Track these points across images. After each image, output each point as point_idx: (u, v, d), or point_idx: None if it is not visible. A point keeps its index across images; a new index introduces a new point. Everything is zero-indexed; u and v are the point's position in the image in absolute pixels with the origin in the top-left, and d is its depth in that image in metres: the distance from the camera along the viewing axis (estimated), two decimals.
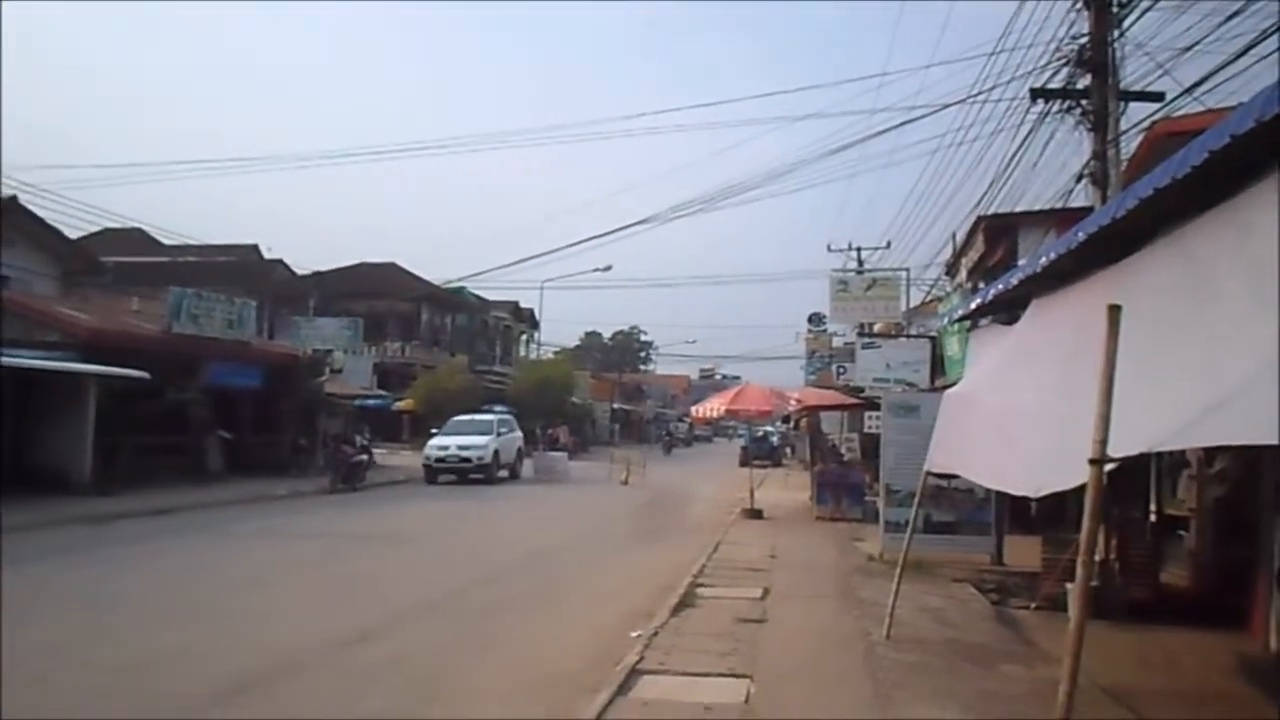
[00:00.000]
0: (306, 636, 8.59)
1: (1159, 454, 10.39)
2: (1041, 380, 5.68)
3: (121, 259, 32.81)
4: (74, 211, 56.93)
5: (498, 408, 38.57)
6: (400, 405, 43.50)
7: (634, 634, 8.64)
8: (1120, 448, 3.39)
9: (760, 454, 41.22)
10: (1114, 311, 3.44)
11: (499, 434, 30.50)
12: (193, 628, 8.99)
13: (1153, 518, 11.51)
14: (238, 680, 7.05)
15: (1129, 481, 10.80)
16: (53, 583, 11.15)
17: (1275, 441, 2.80)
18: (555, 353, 66.56)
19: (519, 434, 33.62)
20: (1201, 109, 10.77)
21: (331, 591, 11.26)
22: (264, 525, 17.31)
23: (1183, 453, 10.42)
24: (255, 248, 43.64)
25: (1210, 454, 10.02)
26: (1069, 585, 9.18)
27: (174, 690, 6.81)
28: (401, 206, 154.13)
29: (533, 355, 64.88)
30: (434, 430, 31.91)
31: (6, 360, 17.88)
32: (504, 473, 30.30)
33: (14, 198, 23.98)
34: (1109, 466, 3.45)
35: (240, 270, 38.73)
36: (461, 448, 28.86)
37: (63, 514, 16.28)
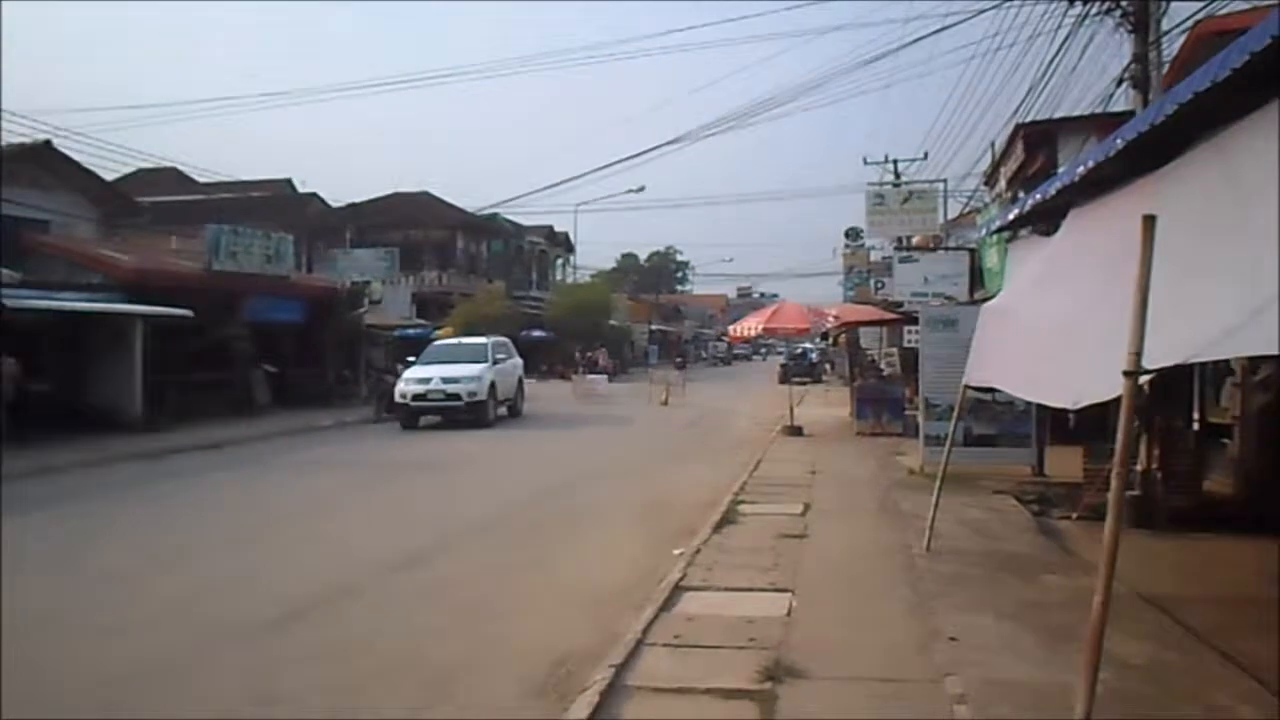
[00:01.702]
0: (358, 562, 8.84)
1: (1203, 362, 10.33)
2: (1079, 291, 5.62)
3: (158, 199, 33.04)
4: (108, 154, 57.30)
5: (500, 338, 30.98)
6: (440, 334, 43.80)
7: (676, 551, 8.80)
8: (1155, 359, 3.38)
9: (799, 371, 41.23)
10: (1148, 222, 3.40)
11: (495, 361, 24.58)
12: (248, 556, 9.28)
13: (1196, 426, 11.44)
14: (292, 606, 7.28)
15: (1172, 390, 10.71)
16: (110, 517, 11.50)
17: None
18: (592, 276, 66.53)
19: (518, 361, 27.35)
20: (1246, 6, 10.44)
21: (380, 518, 11.53)
22: (311, 456, 17.67)
23: (1227, 361, 10.32)
24: (289, 182, 43.73)
25: (1255, 361, 9.91)
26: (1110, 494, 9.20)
27: (230, 617, 7.05)
28: (433, 136, 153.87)
29: (569, 279, 64.86)
30: (411, 359, 25.76)
31: (54, 303, 18.24)
32: (502, 410, 24.88)
33: (48, 142, 24.17)
34: (1143, 378, 3.44)
35: (276, 205, 38.88)
36: (447, 380, 22.87)
37: (116, 451, 16.71)
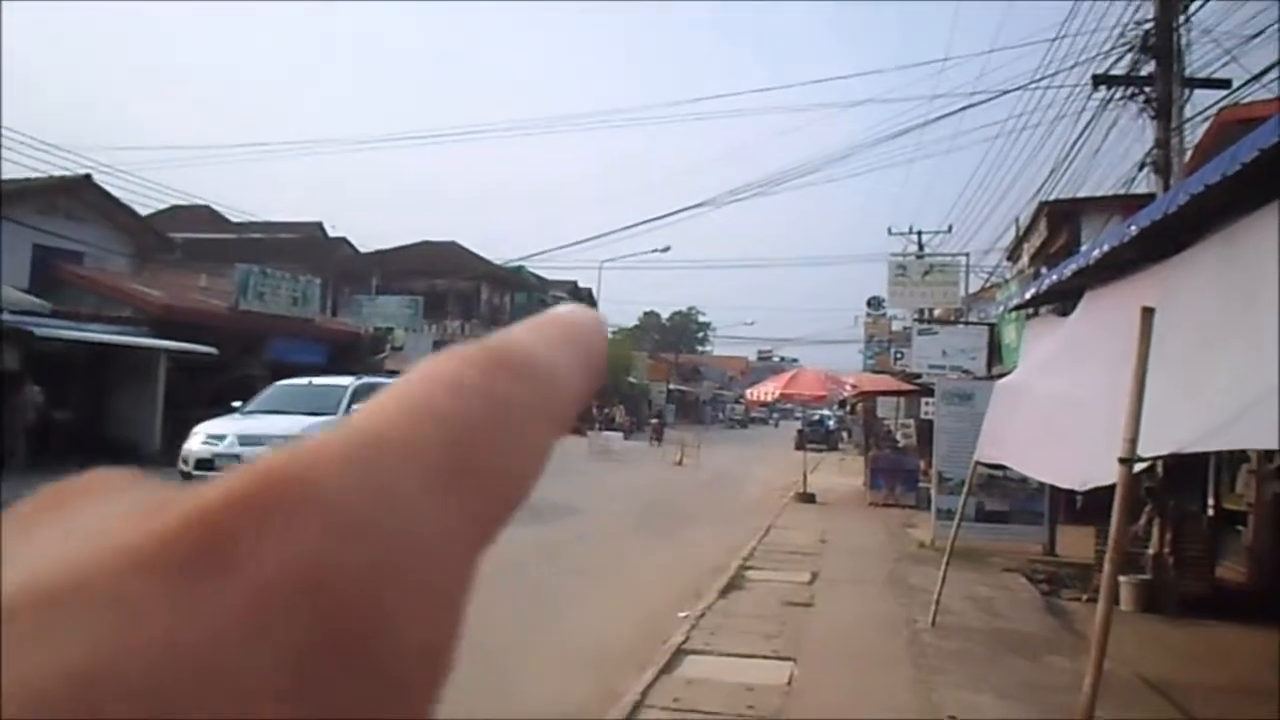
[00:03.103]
0: None
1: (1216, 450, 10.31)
2: (1090, 374, 5.69)
3: (190, 235, 33.55)
4: (145, 190, 58.45)
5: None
6: None
7: (681, 614, 8.79)
8: (1152, 447, 3.44)
9: (815, 438, 41.17)
10: (1147, 314, 3.48)
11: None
12: None
13: (1210, 511, 11.38)
14: None
15: (1187, 475, 10.70)
16: None
17: None
18: (613, 332, 66.75)
19: None
20: (1269, 96, 10.59)
21: None
22: None
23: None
24: (319, 225, 44.33)
25: (1271, 450, 9.89)
26: (1122, 578, 9.16)
27: None
28: (464, 188, 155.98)
29: None
30: (236, 404, 18.33)
31: (82, 334, 18.52)
32: None
33: (88, 176, 24.66)
34: (1144, 464, 3.49)
35: (305, 248, 39.42)
36: (246, 440, 15.23)
37: None
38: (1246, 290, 3.72)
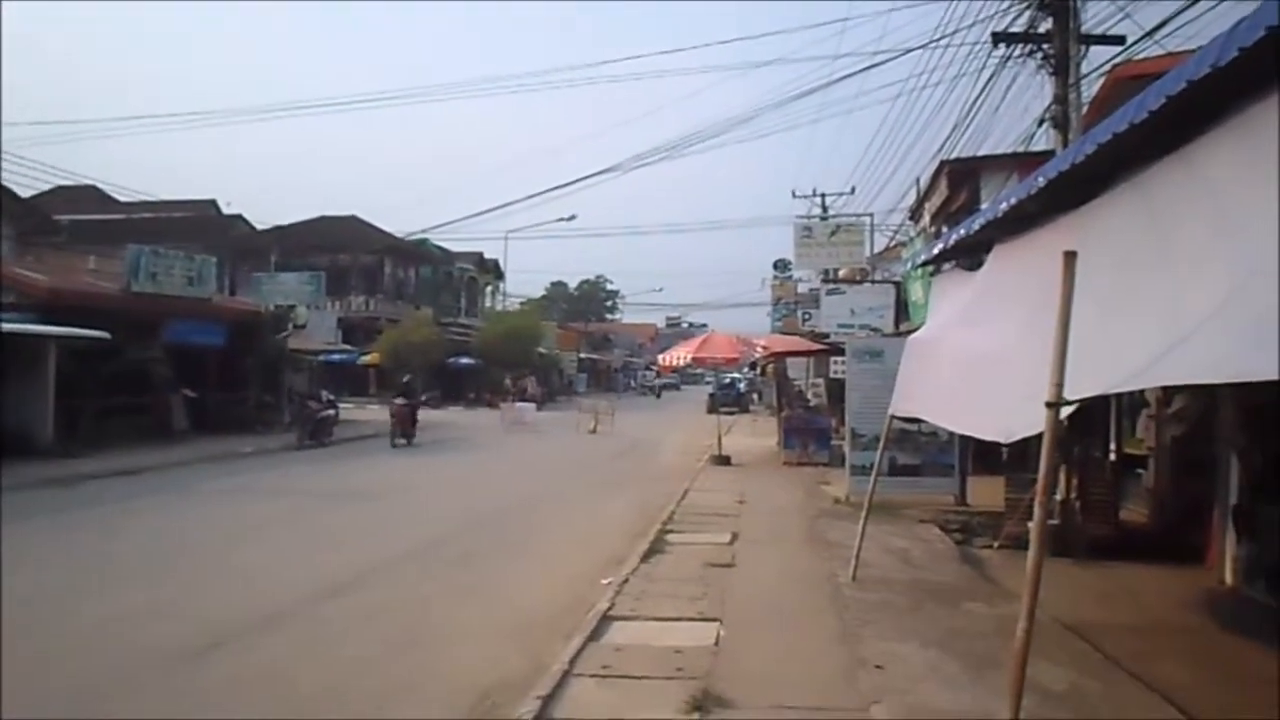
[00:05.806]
0: (281, 591, 8.61)
1: (1119, 394, 10.62)
2: (1007, 325, 5.74)
3: (76, 217, 32.19)
4: (25, 170, 55.74)
5: None
6: (365, 360, 43.27)
7: (605, 581, 8.76)
8: (1078, 390, 3.47)
9: (727, 401, 41.53)
10: (1069, 258, 3.49)
11: None
12: (166, 585, 8.97)
13: (1113, 456, 11.74)
14: (213, 635, 7.07)
15: (1090, 421, 11.00)
16: (24, 543, 11.06)
17: (1225, 380, 2.88)
18: (521, 303, 66.33)
19: None
20: (1161, 52, 10.84)
21: (304, 546, 11.27)
22: (232, 483, 17.23)
23: (1142, 392, 10.63)
24: (214, 203, 42.97)
25: (1168, 393, 10.22)
26: (1031, 524, 9.41)
27: (149, 645, 6.82)
28: (362, 158, 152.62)
29: (499, 306, 64.62)
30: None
31: None
32: None
33: None
34: (1065, 410, 3.52)
35: (199, 226, 38.23)
36: None
37: (28, 476, 16.11)
38: (1162, 233, 3.77)
